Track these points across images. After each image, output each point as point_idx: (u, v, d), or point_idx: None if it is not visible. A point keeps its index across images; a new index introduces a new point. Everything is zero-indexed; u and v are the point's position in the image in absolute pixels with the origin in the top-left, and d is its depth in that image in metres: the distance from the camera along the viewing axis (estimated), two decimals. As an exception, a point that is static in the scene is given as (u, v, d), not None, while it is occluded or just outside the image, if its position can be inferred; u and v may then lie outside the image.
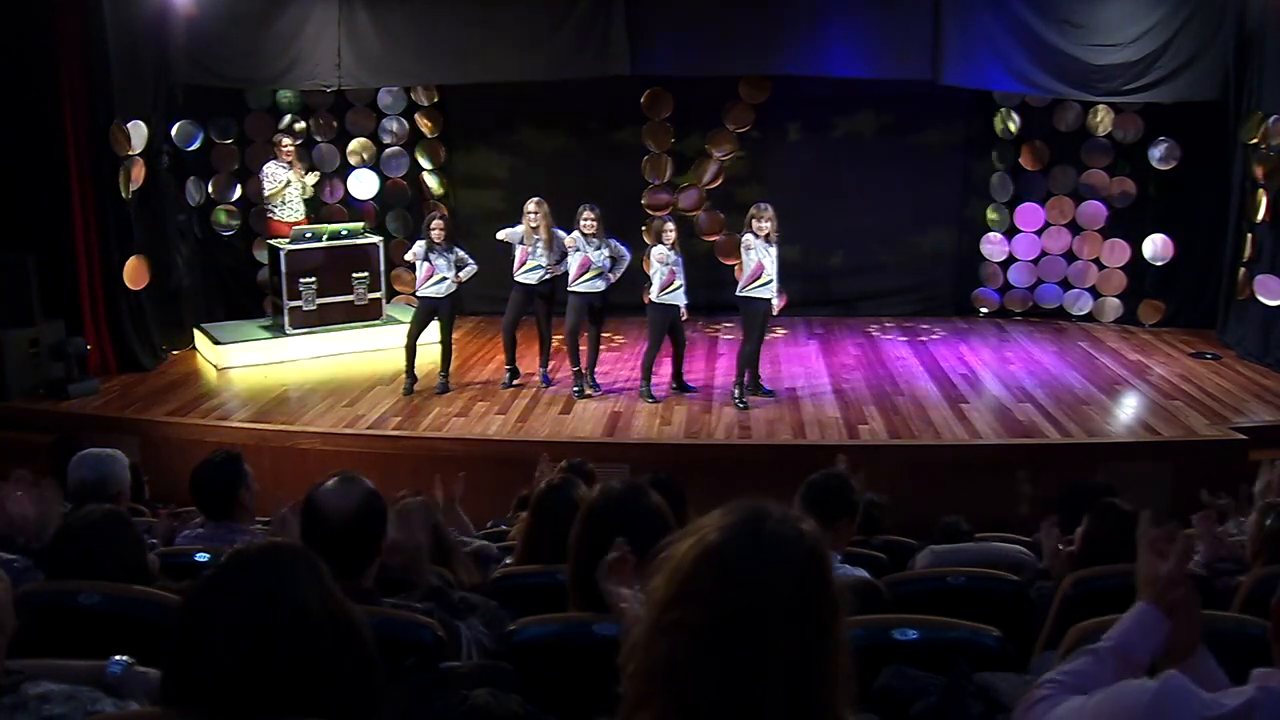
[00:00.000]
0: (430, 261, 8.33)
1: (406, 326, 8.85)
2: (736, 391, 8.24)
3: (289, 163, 9.90)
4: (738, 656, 1.34)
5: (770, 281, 8.03)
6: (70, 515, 3.35)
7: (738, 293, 8.13)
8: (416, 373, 8.59)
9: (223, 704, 1.45)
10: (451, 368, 8.78)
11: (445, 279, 8.39)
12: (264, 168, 10.04)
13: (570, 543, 2.65)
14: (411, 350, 8.56)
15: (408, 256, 8.86)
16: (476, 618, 2.95)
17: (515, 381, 8.76)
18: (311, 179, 10.19)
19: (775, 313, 8.27)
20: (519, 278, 8.54)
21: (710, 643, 1.35)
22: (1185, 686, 1.58)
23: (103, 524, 3.07)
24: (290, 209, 9.97)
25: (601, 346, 8.80)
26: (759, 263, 7.95)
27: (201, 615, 1.52)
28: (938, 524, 5.14)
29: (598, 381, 8.62)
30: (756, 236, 7.92)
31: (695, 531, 1.43)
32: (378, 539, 2.70)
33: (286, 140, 9.99)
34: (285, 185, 9.85)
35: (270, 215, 10.04)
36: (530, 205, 8.45)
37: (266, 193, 9.95)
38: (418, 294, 8.58)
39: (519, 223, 8.48)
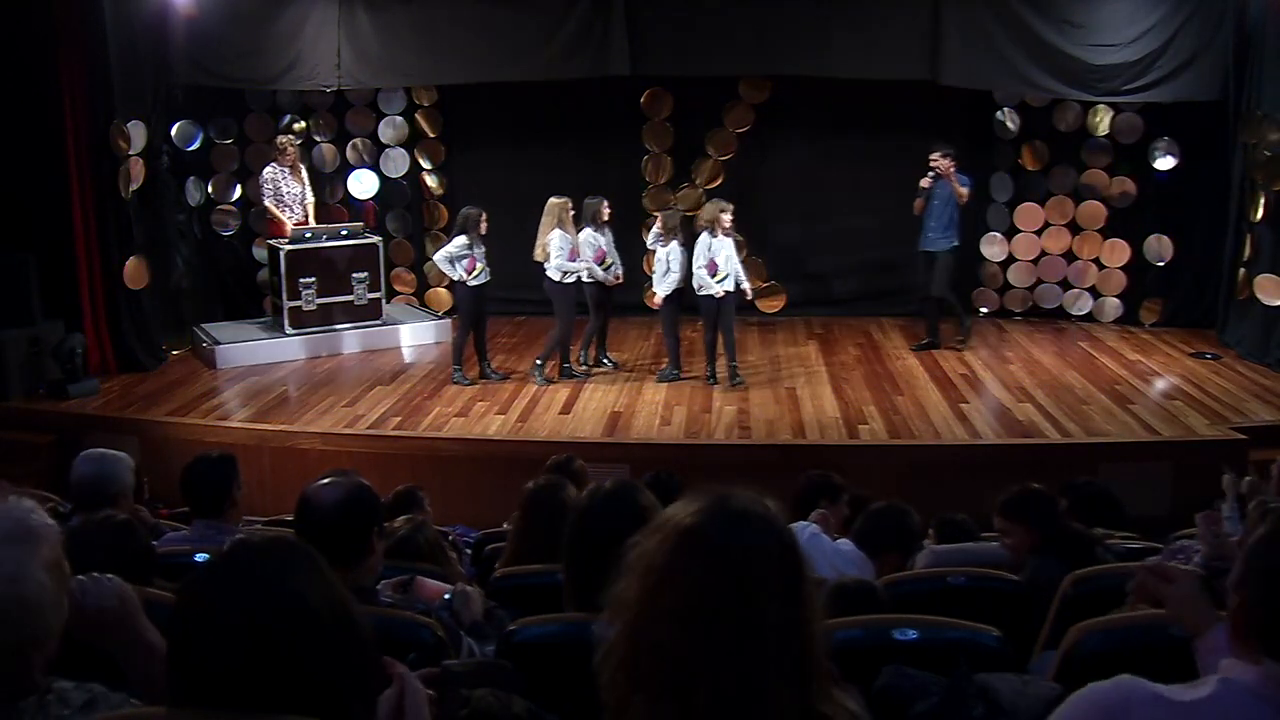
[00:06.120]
0: (474, 254, 8.51)
1: (406, 327, 8.79)
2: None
3: (290, 165, 9.86)
4: (730, 631, 1.39)
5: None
6: (77, 522, 3.32)
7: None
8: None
9: (224, 697, 1.44)
10: (450, 367, 8.89)
11: (486, 268, 8.62)
12: (264, 171, 9.97)
13: (564, 544, 2.64)
14: (481, 343, 8.89)
15: (454, 263, 8.57)
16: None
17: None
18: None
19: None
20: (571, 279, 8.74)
21: (702, 623, 1.39)
22: (1140, 682, 1.61)
23: (110, 533, 3.05)
24: (292, 211, 9.91)
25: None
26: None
27: (201, 607, 1.50)
28: (942, 519, 5.01)
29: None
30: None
31: (664, 523, 1.48)
32: (369, 530, 2.73)
33: (288, 142, 9.91)
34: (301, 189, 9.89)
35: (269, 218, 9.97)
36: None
37: (266, 200, 9.89)
38: (469, 283, 8.58)
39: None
